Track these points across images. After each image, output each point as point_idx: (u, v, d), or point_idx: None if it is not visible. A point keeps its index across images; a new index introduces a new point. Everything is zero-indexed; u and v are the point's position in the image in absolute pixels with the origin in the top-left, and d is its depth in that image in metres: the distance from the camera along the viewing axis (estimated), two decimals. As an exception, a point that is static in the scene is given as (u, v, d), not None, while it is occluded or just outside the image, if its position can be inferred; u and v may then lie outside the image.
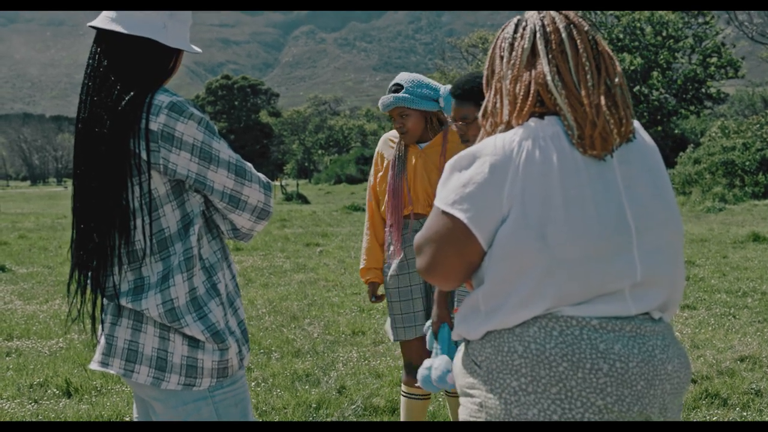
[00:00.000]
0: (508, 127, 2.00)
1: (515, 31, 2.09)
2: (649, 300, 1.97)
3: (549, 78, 1.97)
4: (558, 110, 1.97)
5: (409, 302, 4.30)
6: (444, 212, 1.98)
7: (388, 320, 4.43)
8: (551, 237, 1.87)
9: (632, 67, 39.32)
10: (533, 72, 2.00)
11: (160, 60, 2.51)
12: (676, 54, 41.45)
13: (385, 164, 4.39)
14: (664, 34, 40.76)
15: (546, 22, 2.04)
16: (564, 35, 2.01)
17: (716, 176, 26.45)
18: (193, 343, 2.48)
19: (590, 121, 1.94)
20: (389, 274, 4.35)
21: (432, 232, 2.01)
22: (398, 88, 4.16)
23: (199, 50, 2.67)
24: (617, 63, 2.06)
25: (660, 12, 40.57)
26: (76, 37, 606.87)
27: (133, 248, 2.47)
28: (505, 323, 1.95)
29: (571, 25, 2.03)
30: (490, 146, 1.95)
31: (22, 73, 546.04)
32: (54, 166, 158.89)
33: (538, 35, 2.03)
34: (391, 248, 4.33)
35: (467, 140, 3.77)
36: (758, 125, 29.67)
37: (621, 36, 41.06)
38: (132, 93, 2.40)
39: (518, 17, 2.13)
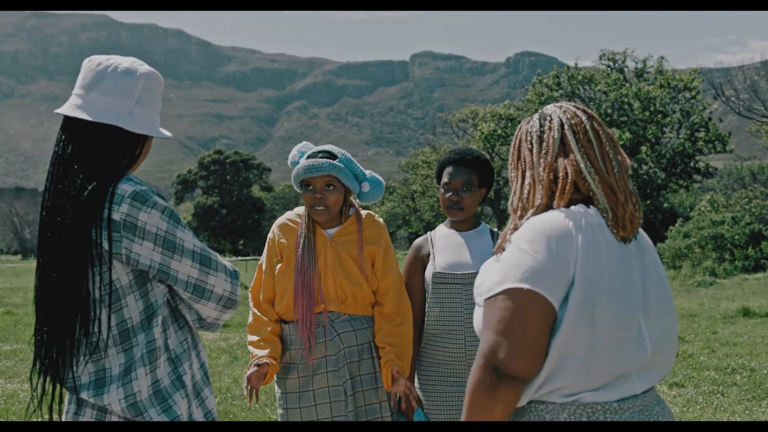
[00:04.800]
0: (542, 210, 2.15)
1: (541, 125, 2.26)
2: (651, 379, 2.15)
3: (582, 165, 2.15)
4: (592, 195, 2.15)
5: (312, 409, 3.67)
6: (525, 290, 2.01)
7: None
8: (598, 317, 2.01)
9: (621, 142, 39.61)
10: (566, 161, 2.17)
11: (125, 147, 2.49)
12: (664, 128, 41.86)
13: (286, 254, 3.77)
14: (651, 108, 41.20)
15: (569, 116, 2.23)
16: (588, 126, 2.21)
17: (706, 250, 26.47)
18: None
19: (621, 203, 2.14)
20: (287, 377, 3.73)
21: (514, 314, 2.01)
22: (330, 155, 3.68)
23: (168, 134, 2.66)
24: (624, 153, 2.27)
25: (647, 87, 41.07)
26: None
27: (94, 339, 2.42)
28: (536, 395, 2.06)
29: (591, 118, 2.23)
30: (551, 225, 2.07)
31: (15, 147, 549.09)
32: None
33: (566, 127, 2.21)
34: (293, 349, 3.72)
35: (462, 208, 3.76)
36: (747, 199, 29.80)
37: (609, 111, 41.49)
38: (95, 182, 2.38)
39: (539, 113, 2.31)
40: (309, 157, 3.70)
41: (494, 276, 2.08)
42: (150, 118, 2.55)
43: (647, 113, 41.14)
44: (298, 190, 3.79)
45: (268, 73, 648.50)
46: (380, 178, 3.89)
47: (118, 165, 2.46)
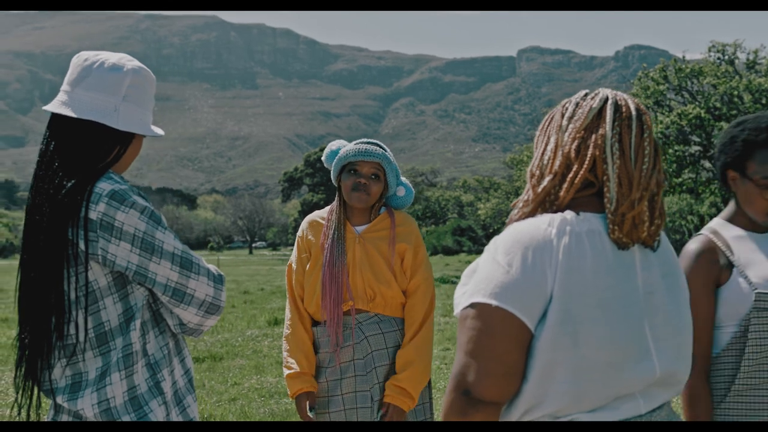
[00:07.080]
0: (557, 181, 1.95)
1: (585, 95, 2.07)
2: (659, 398, 1.95)
3: (609, 142, 1.92)
4: (605, 180, 1.90)
5: (341, 413, 3.52)
6: (493, 307, 1.83)
7: None
8: (582, 336, 1.81)
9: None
10: (594, 135, 1.94)
11: (109, 144, 2.43)
12: (776, 122, 40.50)
13: (314, 251, 3.65)
14: (763, 101, 39.91)
15: (619, 98, 2.01)
16: (633, 113, 1.97)
17: (819, 248, 25.47)
18: None
19: (632, 200, 1.88)
20: (317, 381, 3.60)
21: (481, 332, 1.83)
22: (380, 147, 3.62)
23: (160, 132, 2.59)
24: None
25: (759, 79, 39.82)
26: (181, 111, 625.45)
27: (70, 342, 2.35)
28: (521, 417, 1.90)
29: (640, 110, 1.99)
30: (530, 234, 1.86)
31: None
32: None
33: (609, 102, 1.99)
34: (322, 352, 3.62)
35: None
36: None
37: (718, 104, 40.38)
38: (73, 180, 2.32)
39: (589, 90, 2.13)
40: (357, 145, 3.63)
41: (469, 286, 1.92)
42: (137, 116, 2.47)
43: (759, 106, 39.87)
44: (333, 179, 3.69)
45: (375, 70, 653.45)
46: (411, 186, 3.79)
47: (100, 163, 2.40)
